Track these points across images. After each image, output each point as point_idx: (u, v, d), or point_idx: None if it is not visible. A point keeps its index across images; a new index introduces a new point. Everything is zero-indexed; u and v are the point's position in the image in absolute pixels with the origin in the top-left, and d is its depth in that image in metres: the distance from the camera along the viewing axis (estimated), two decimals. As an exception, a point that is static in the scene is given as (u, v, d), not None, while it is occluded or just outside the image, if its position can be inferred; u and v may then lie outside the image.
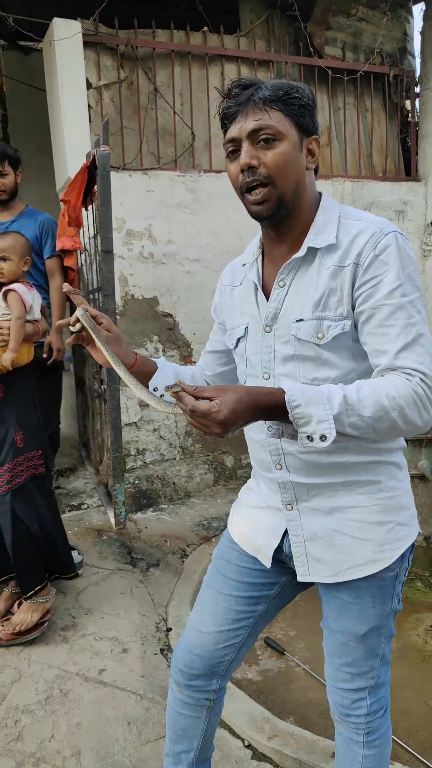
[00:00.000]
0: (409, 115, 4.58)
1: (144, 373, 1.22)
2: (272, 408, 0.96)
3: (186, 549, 3.05)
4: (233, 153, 1.06)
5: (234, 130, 1.04)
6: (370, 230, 1.03)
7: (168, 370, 1.25)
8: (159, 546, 3.01)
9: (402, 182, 4.35)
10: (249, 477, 1.36)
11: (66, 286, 1.15)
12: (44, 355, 2.80)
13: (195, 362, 3.92)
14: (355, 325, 1.06)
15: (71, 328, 1.13)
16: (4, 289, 2.07)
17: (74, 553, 2.64)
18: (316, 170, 1.12)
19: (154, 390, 1.22)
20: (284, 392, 0.95)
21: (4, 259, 2.07)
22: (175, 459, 3.90)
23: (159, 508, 3.49)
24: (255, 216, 1.09)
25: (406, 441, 2.55)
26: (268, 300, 1.14)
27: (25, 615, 2.14)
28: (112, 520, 2.98)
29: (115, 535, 3.00)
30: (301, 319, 1.07)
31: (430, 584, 2.77)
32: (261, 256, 1.18)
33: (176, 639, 2.26)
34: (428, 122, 4.34)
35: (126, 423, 3.61)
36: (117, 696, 1.93)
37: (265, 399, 0.95)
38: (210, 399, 0.92)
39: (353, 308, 1.05)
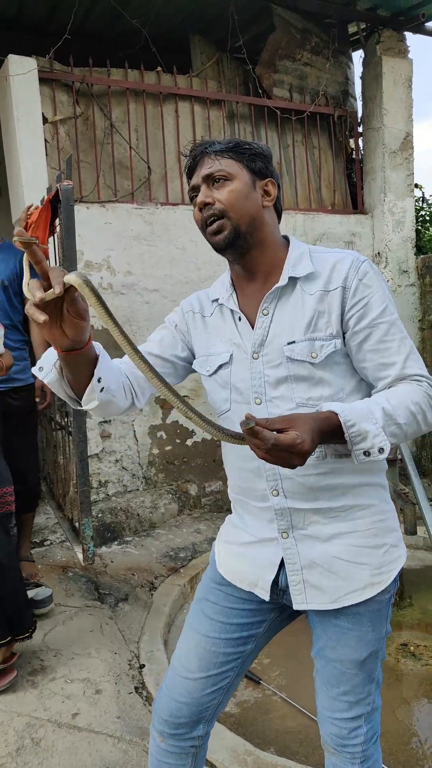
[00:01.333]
0: (354, 152, 4.84)
1: (89, 358, 1.02)
2: (331, 431, 0.99)
3: (154, 581, 2.99)
4: (194, 198, 1.18)
5: (193, 180, 1.17)
6: (349, 259, 1.14)
7: (106, 359, 1.08)
8: (126, 580, 2.94)
9: (350, 215, 4.57)
10: (213, 505, 1.34)
11: (20, 232, 0.85)
12: (37, 399, 2.68)
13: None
14: (344, 344, 1.13)
15: (47, 294, 0.87)
16: None
17: (41, 589, 2.55)
18: (279, 215, 1.22)
19: (98, 380, 1.03)
20: (336, 414, 0.99)
21: None
22: (138, 490, 3.85)
23: (124, 541, 3.42)
24: (215, 247, 1.16)
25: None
26: (253, 328, 1.17)
27: None
28: (80, 555, 2.89)
29: (81, 571, 2.91)
30: (293, 341, 1.12)
31: (397, 603, 2.83)
32: (234, 291, 1.22)
33: (150, 676, 2.20)
34: (372, 159, 4.59)
35: (88, 454, 3.55)
36: (93, 740, 1.85)
37: (325, 424, 0.98)
38: (281, 430, 0.92)
39: (343, 329, 1.13)
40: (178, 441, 3.95)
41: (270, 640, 1.32)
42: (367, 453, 1.00)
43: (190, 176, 1.18)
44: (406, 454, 2.52)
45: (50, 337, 0.95)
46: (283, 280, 1.15)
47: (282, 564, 1.19)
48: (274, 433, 0.91)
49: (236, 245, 1.14)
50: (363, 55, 4.59)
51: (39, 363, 1.08)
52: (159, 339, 1.29)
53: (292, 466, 0.93)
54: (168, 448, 3.92)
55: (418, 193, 4.98)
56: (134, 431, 3.82)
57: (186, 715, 1.23)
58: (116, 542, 3.39)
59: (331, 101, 4.58)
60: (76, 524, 3.06)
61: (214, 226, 1.13)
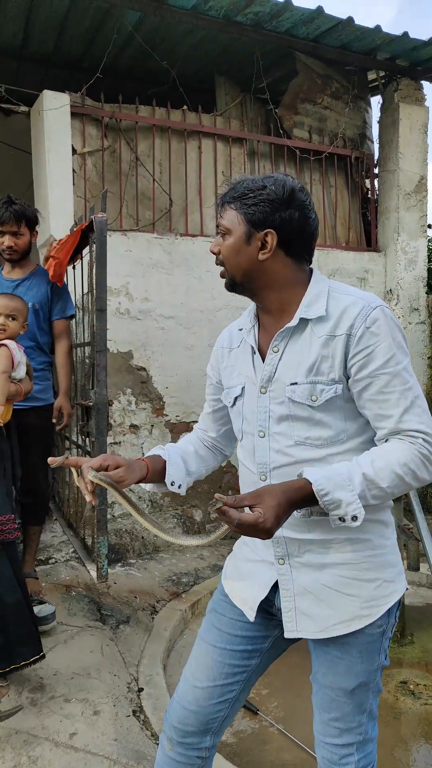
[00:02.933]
0: (369, 192, 4.98)
1: (157, 473, 1.28)
2: (303, 499, 1.05)
3: (156, 605, 3.01)
4: None
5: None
6: (360, 305, 1.13)
7: (176, 458, 1.32)
8: (128, 602, 2.96)
9: (364, 252, 4.68)
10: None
11: (53, 461, 1.19)
12: (54, 420, 2.75)
13: (167, 414, 3.99)
14: (348, 389, 1.15)
15: (90, 493, 1.15)
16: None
17: (45, 606, 2.58)
18: (300, 256, 1.21)
19: (171, 484, 1.29)
20: (311, 483, 1.04)
21: (13, 317, 2.20)
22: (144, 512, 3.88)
23: (128, 563, 3.44)
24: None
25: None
26: (263, 363, 1.23)
27: None
28: (94, 573, 2.93)
29: (84, 591, 2.94)
30: (296, 383, 1.16)
31: (398, 640, 2.81)
32: (257, 323, 1.29)
33: (148, 700, 2.21)
34: (386, 200, 4.73)
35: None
36: (89, 761, 1.86)
37: (297, 494, 1.04)
38: (251, 507, 1.00)
39: (346, 375, 1.14)
40: (185, 466, 3.99)
41: (276, 658, 1.36)
42: (342, 519, 1.05)
43: None
44: (411, 491, 2.55)
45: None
46: (294, 321, 1.18)
47: (276, 586, 1.23)
48: (238, 513, 0.99)
49: (237, 290, 1.25)
50: (381, 101, 4.76)
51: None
52: (208, 395, 1.44)
53: (262, 538, 1.00)
54: (175, 472, 3.96)
55: (431, 233, 5.10)
56: (143, 453, 3.87)
57: (194, 723, 1.27)
58: (120, 564, 3.42)
59: (349, 143, 4.74)
60: (89, 542, 3.09)
61: (221, 270, 1.24)
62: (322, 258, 4.44)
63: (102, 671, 2.33)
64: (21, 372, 2.18)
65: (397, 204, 4.62)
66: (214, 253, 1.24)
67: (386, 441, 1.13)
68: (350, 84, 4.62)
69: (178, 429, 3.93)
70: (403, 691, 2.45)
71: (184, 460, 1.35)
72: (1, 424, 2.13)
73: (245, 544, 1.35)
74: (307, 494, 1.04)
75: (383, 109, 4.73)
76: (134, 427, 3.83)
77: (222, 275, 1.24)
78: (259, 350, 1.26)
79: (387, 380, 1.11)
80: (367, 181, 4.97)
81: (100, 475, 1.13)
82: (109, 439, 3.73)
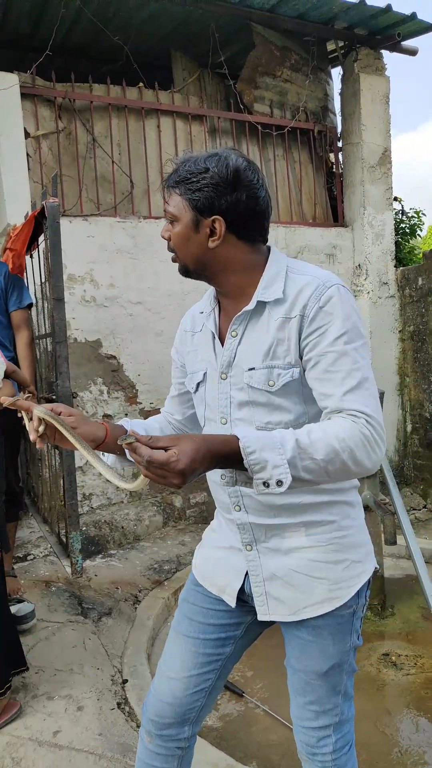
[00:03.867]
0: (334, 166, 4.92)
1: (116, 443, 1.19)
2: (228, 455, 0.96)
3: (138, 595, 2.99)
4: None
5: None
6: (314, 284, 1.10)
7: (138, 427, 1.26)
8: (110, 594, 2.94)
9: (331, 228, 4.64)
10: (198, 517, 1.39)
11: (5, 399, 1.13)
12: (19, 415, 2.67)
13: (140, 402, 3.93)
14: (303, 372, 1.12)
15: (34, 431, 1.07)
16: None
17: (24, 604, 2.54)
18: (253, 238, 1.16)
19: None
20: (238, 439, 0.96)
21: None
22: (122, 502, 3.84)
23: (108, 554, 3.41)
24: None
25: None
26: (223, 347, 1.20)
27: None
28: (68, 569, 2.89)
29: (65, 586, 2.90)
30: (253, 368, 1.13)
31: (379, 613, 2.85)
32: (217, 306, 1.25)
33: (133, 691, 2.20)
34: (351, 173, 4.68)
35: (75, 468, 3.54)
36: (74, 758, 1.84)
37: (221, 447, 0.96)
38: (166, 449, 0.91)
39: (301, 357, 1.11)
40: (162, 453, 3.95)
41: (250, 644, 1.35)
42: (266, 484, 0.96)
43: None
44: (385, 465, 2.56)
45: (67, 446, 1.11)
46: (251, 304, 1.15)
47: (248, 573, 1.22)
48: (150, 450, 0.90)
49: (192, 276, 1.20)
50: (342, 72, 4.68)
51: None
52: (174, 378, 1.37)
53: (174, 486, 0.91)
54: (152, 460, 3.93)
55: (397, 205, 5.08)
56: (118, 444, 3.83)
57: (170, 715, 1.26)
58: (100, 555, 3.38)
59: (311, 117, 4.67)
60: (63, 537, 3.05)
61: (173, 256, 1.19)
62: (289, 235, 4.39)
63: (85, 666, 2.31)
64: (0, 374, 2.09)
65: (362, 177, 4.57)
66: (165, 239, 1.19)
67: (329, 419, 1.07)
68: (309, 55, 4.53)
69: (153, 416, 3.88)
70: (385, 663, 2.49)
71: (147, 431, 1.29)
72: None
73: (213, 531, 1.34)
74: (233, 450, 0.96)
75: (344, 80, 4.65)
76: (107, 417, 3.77)
77: (174, 260, 1.20)
78: (219, 334, 1.22)
79: (334, 358, 1.06)
80: (332, 155, 4.91)
81: (48, 411, 1.06)
82: (82, 431, 3.66)
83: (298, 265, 1.18)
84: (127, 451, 0.93)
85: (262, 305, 1.15)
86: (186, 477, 0.91)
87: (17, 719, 2.00)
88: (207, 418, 1.24)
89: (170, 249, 1.19)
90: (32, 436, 1.08)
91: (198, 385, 1.25)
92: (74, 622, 2.62)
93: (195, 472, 0.92)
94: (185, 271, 1.19)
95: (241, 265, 1.16)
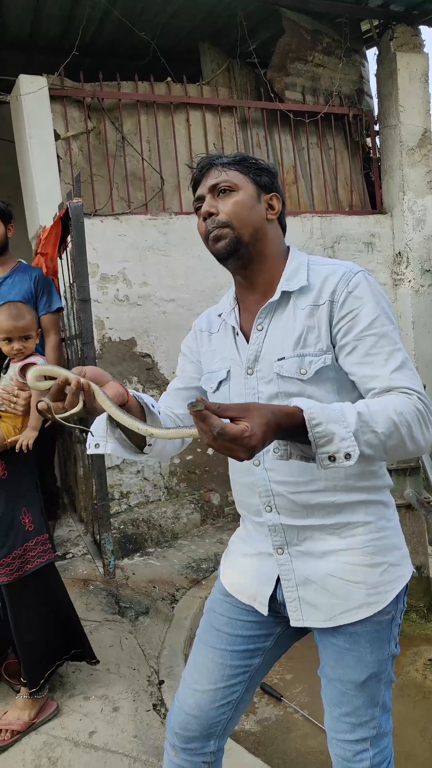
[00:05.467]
0: (371, 151, 4.75)
1: (138, 412, 1.12)
2: (292, 428, 0.89)
3: (175, 594, 2.97)
4: (199, 209, 1.17)
5: (199, 190, 1.18)
6: (340, 271, 1.11)
7: (156, 406, 1.18)
8: (147, 593, 2.93)
9: (369, 215, 4.48)
10: (236, 514, 1.33)
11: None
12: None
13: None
14: (336, 359, 1.10)
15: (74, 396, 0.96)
16: (23, 362, 1.94)
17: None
18: (284, 228, 1.22)
19: (152, 406, 1.13)
20: (302, 411, 0.90)
21: (26, 338, 1.93)
22: (160, 500, 3.84)
23: (146, 552, 3.41)
24: (217, 256, 1.16)
25: (390, 472, 2.53)
26: (248, 344, 1.17)
27: (21, 712, 1.94)
28: (101, 570, 2.90)
29: (102, 584, 2.91)
30: (283, 357, 1.11)
31: (425, 615, 2.73)
32: (237, 305, 1.23)
33: (169, 692, 2.18)
34: (389, 158, 4.50)
35: (108, 467, 3.56)
36: (109, 760, 1.83)
37: (287, 420, 0.89)
38: (234, 419, 0.85)
39: (333, 343, 1.10)
40: (199, 450, 3.93)
41: (280, 657, 1.31)
42: (332, 458, 0.90)
43: (195, 188, 1.20)
44: (427, 462, 2.43)
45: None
46: (276, 295, 1.14)
47: (279, 579, 1.18)
48: (224, 421, 0.83)
49: (237, 254, 1.14)
50: (377, 52, 4.51)
51: (90, 441, 1.09)
52: (181, 370, 1.33)
53: (239, 459, 0.84)
54: (189, 457, 3.90)
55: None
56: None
57: (196, 728, 1.23)
58: (138, 554, 3.38)
59: (346, 101, 4.51)
60: (98, 537, 3.06)
61: (215, 233, 1.13)
62: (325, 225, 4.26)
63: (121, 666, 2.30)
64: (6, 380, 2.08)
65: (400, 161, 4.39)
66: (211, 214, 1.13)
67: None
68: (342, 37, 4.37)
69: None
70: (432, 669, 2.37)
71: (155, 406, 1.20)
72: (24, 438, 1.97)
73: (240, 538, 1.30)
74: (298, 422, 0.89)
75: (380, 60, 4.47)
76: (143, 415, 3.76)
77: (217, 238, 1.12)
78: (242, 332, 1.20)
79: (374, 341, 1.06)
80: (368, 140, 4.74)
81: (79, 377, 0.95)
82: (119, 429, 3.68)
83: (319, 258, 1.20)
84: (193, 416, 0.83)
85: (286, 296, 1.14)
86: (255, 452, 0.84)
87: (54, 719, 2.01)
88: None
89: (216, 224, 1.12)
90: (75, 405, 0.97)
91: (220, 383, 1.22)
92: (111, 621, 2.62)
93: (264, 446, 0.86)
94: (236, 245, 1.12)
95: (278, 251, 1.19)
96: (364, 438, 0.93)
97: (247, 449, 0.83)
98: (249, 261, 1.16)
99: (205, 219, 1.15)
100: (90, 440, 1.09)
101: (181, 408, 1.31)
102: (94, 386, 0.97)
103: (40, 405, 0.94)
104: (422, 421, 0.99)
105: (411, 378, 1.04)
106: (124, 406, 1.04)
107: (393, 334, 1.07)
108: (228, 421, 0.84)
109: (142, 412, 1.10)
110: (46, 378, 1.00)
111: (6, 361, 2.01)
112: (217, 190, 1.14)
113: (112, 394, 1.01)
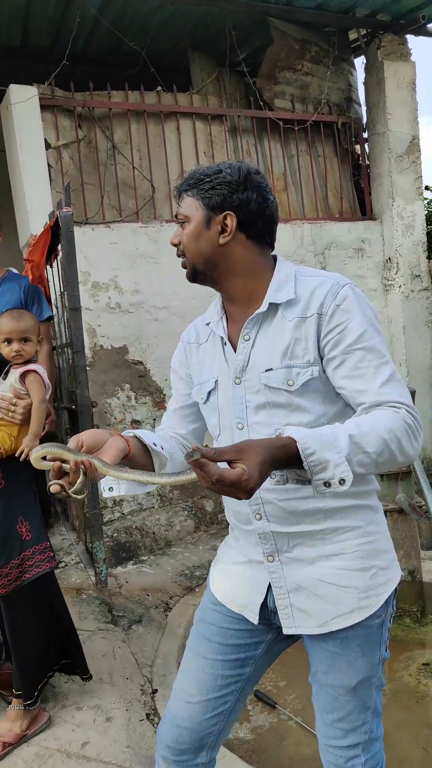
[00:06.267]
0: (360, 158, 4.79)
1: (142, 455, 1.16)
2: (287, 459, 0.94)
3: (169, 602, 2.96)
4: None
5: None
6: (328, 284, 1.11)
7: (151, 439, 1.20)
8: (140, 601, 2.92)
9: (359, 222, 4.52)
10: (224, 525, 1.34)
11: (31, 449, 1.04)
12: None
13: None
14: (323, 371, 1.11)
15: (74, 475, 0.98)
16: (23, 369, 1.95)
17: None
18: (262, 239, 1.18)
19: (153, 444, 1.17)
20: (296, 441, 0.94)
21: (26, 339, 1.95)
22: (153, 507, 3.83)
23: (139, 560, 3.40)
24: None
25: (381, 477, 2.53)
26: (235, 353, 1.18)
27: (12, 724, 1.93)
28: (93, 579, 2.89)
29: (95, 593, 2.90)
30: (271, 369, 1.12)
31: (418, 619, 2.73)
32: (225, 314, 1.24)
33: (162, 701, 2.17)
34: (378, 164, 4.54)
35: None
36: (101, 771, 1.82)
37: (281, 453, 0.93)
38: (231, 462, 0.90)
39: (321, 355, 1.11)
40: (192, 457, 3.92)
41: (270, 665, 1.31)
42: (327, 484, 0.95)
43: None
44: (418, 467, 2.45)
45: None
46: (263, 306, 1.15)
47: (270, 588, 1.18)
48: (219, 467, 0.88)
49: (198, 280, 1.20)
50: (365, 61, 4.55)
51: (103, 485, 1.14)
52: (175, 389, 1.36)
53: (239, 498, 0.90)
54: (182, 464, 3.90)
55: (428, 194, 4.92)
56: (147, 449, 3.82)
57: (188, 741, 1.22)
58: (131, 562, 3.37)
59: (335, 109, 4.55)
60: (90, 545, 3.06)
61: (181, 261, 1.20)
62: (315, 232, 4.29)
63: (114, 675, 2.29)
64: (47, 396, 2.05)
65: (389, 168, 4.43)
66: (174, 245, 1.20)
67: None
68: (330, 46, 4.42)
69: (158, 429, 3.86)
70: (426, 674, 2.37)
71: (166, 449, 1.23)
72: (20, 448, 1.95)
73: (230, 546, 1.30)
74: (292, 453, 0.93)
75: (367, 69, 4.52)
76: (136, 423, 3.76)
77: (183, 266, 1.20)
78: (230, 341, 1.21)
79: (361, 355, 1.07)
80: (357, 147, 4.78)
81: (79, 453, 0.98)
82: (111, 437, 3.67)
83: (307, 270, 1.20)
84: (190, 466, 0.89)
85: (274, 307, 1.15)
86: (253, 493, 0.90)
87: (46, 730, 1.99)
88: (222, 426, 1.22)
89: (180, 253, 1.19)
90: (77, 483, 0.99)
91: (209, 393, 1.23)
92: (104, 630, 2.61)
93: (261, 484, 0.91)
94: (193, 273, 1.19)
95: (249, 266, 1.17)
96: (356, 459, 0.97)
97: (245, 491, 0.88)
98: (214, 282, 1.20)
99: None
100: (104, 484, 1.13)
101: (182, 428, 1.34)
102: (93, 461, 0.99)
103: (53, 488, 0.98)
104: (411, 434, 1.02)
105: (399, 391, 1.06)
106: (126, 457, 1.09)
107: (380, 346, 1.09)
108: (226, 463, 0.90)
109: (146, 452, 1.15)
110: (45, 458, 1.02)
111: (6, 368, 2.01)
112: (178, 220, 1.19)
113: (113, 452, 1.05)
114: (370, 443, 0.98)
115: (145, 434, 1.17)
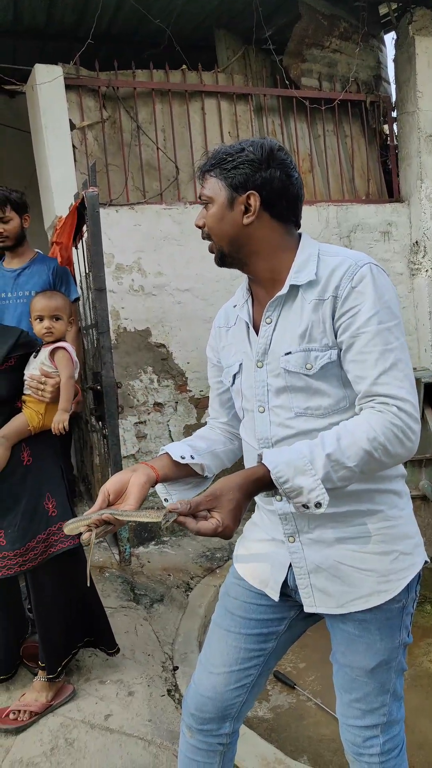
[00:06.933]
0: (388, 138, 4.67)
1: (176, 476, 1.19)
2: (263, 488, 1.00)
3: (190, 582, 3.00)
4: None
5: None
6: (346, 264, 1.09)
7: (180, 450, 1.21)
8: (162, 580, 2.96)
9: (386, 204, 4.42)
10: (251, 503, 1.35)
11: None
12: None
13: (190, 390, 3.92)
14: (341, 353, 1.09)
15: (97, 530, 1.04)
16: (52, 346, 2.00)
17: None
18: (287, 219, 1.16)
19: (191, 457, 1.21)
20: (269, 470, 0.97)
21: (57, 318, 2.01)
22: (174, 490, 3.86)
23: (161, 541, 3.44)
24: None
25: (405, 463, 2.52)
26: (257, 336, 1.18)
27: (38, 694, 1.98)
28: (117, 557, 2.93)
29: (118, 572, 2.95)
30: (290, 352, 1.12)
31: (439, 606, 2.72)
32: (250, 297, 1.24)
33: (183, 678, 2.20)
34: (407, 145, 4.43)
35: (124, 455, 3.58)
36: (124, 743, 1.87)
37: (256, 486, 0.99)
38: (208, 510, 0.95)
39: (336, 338, 1.09)
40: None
41: (294, 642, 1.32)
42: (305, 506, 0.98)
43: None
44: (443, 453, 2.42)
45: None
46: (284, 288, 1.14)
47: (291, 566, 1.19)
48: (196, 524, 0.93)
49: (226, 263, 1.19)
50: (395, 37, 4.42)
51: (161, 493, 1.19)
52: (212, 377, 1.37)
53: (225, 538, 0.96)
54: (203, 447, 3.92)
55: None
56: (169, 431, 3.84)
57: (211, 710, 1.25)
58: (153, 542, 3.42)
59: (363, 87, 4.44)
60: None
61: (209, 244, 1.19)
62: (341, 214, 4.22)
63: (136, 651, 2.34)
64: (75, 373, 2.08)
65: (418, 148, 4.31)
66: (199, 227, 1.19)
67: (360, 409, 1.06)
68: (360, 22, 4.30)
69: (203, 404, 3.86)
70: (447, 659, 2.37)
71: (193, 451, 1.25)
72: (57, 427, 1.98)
73: (254, 524, 1.31)
74: (267, 482, 0.99)
75: (398, 45, 4.38)
76: (158, 405, 3.78)
77: (210, 250, 1.20)
78: (254, 324, 1.21)
79: (367, 339, 1.05)
80: (386, 127, 4.66)
81: (107, 511, 1.03)
82: (134, 419, 3.70)
83: (331, 248, 1.17)
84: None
85: (295, 289, 1.14)
86: (231, 534, 0.96)
87: (71, 701, 2.04)
88: (245, 409, 1.23)
89: (205, 236, 1.19)
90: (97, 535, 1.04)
91: (234, 377, 1.24)
92: (126, 608, 2.65)
93: (239, 523, 0.97)
94: (221, 257, 1.19)
95: (274, 246, 1.16)
96: (337, 476, 0.99)
97: (224, 536, 0.95)
98: (242, 264, 1.19)
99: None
100: (161, 493, 1.19)
101: (223, 416, 1.37)
102: (113, 514, 1.04)
103: (84, 537, 1.03)
104: (400, 435, 1.01)
105: (398, 381, 1.03)
106: (158, 482, 1.14)
107: (389, 332, 1.05)
108: (205, 511, 0.95)
109: (178, 467, 1.18)
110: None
111: (38, 347, 2.05)
112: (202, 202, 1.17)
113: (136, 491, 1.06)
114: (351, 457, 0.99)
115: (173, 448, 1.19)
